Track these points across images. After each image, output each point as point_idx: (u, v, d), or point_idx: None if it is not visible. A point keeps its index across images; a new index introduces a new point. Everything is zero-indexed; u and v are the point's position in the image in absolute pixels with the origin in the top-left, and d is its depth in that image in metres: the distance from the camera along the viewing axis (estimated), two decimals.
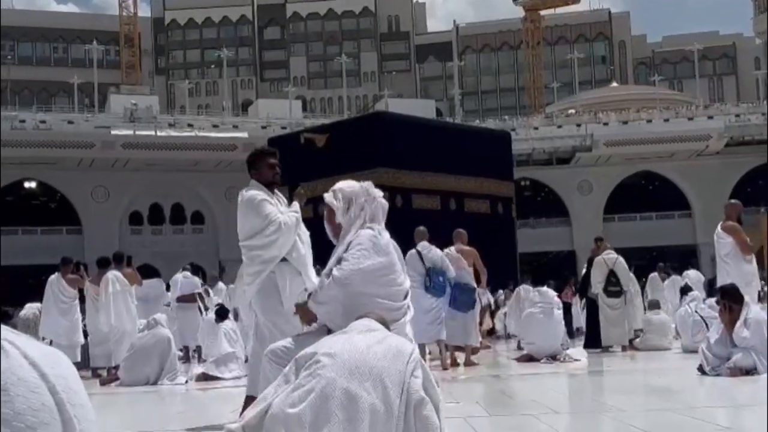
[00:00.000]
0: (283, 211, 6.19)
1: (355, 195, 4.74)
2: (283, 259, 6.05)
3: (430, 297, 11.32)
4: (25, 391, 1.84)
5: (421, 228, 12.07)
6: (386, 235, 4.69)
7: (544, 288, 13.91)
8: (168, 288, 17.43)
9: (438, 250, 11.70)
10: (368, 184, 4.85)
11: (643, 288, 19.32)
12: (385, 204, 4.84)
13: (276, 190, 6.40)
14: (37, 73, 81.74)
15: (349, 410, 3.22)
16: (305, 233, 6.25)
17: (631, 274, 15.22)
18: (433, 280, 11.36)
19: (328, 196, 4.82)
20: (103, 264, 13.25)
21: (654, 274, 21.58)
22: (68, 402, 1.90)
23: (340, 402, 3.23)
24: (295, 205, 6.35)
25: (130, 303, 12.77)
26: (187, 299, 16.47)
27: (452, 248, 12.44)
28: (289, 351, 4.30)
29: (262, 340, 5.89)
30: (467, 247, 12.83)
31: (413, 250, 11.35)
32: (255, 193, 6.21)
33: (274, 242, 6.04)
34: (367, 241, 4.54)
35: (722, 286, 9.60)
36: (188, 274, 17.24)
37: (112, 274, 12.71)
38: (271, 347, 4.67)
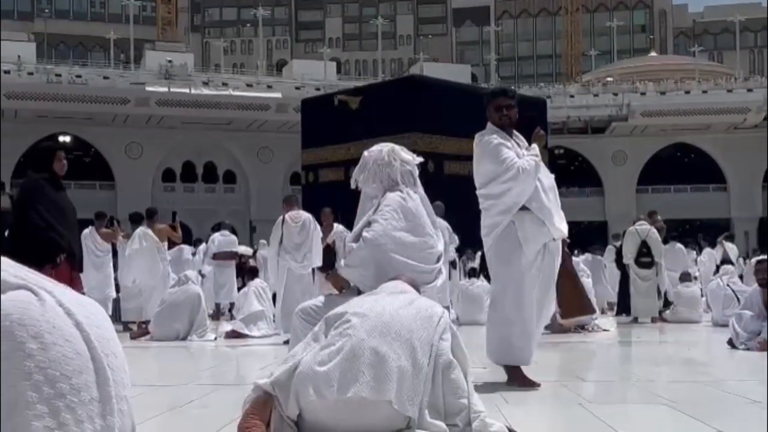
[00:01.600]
0: (522, 155, 5.69)
1: (369, 159, 4.74)
2: (524, 208, 5.57)
3: None
4: (60, 340, 1.86)
5: (438, 203, 12.13)
6: (416, 197, 4.67)
7: (574, 258, 13.85)
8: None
9: (443, 223, 12.19)
10: (389, 149, 4.80)
11: None
12: (411, 169, 4.80)
13: (516, 132, 5.95)
14: (74, 28, 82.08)
15: (377, 370, 3.23)
16: (548, 178, 5.75)
17: (663, 246, 15.11)
18: None
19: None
20: (136, 219, 13.36)
21: (676, 245, 17.69)
22: (102, 351, 1.92)
23: (368, 361, 3.24)
24: (535, 148, 5.82)
25: (157, 259, 12.85)
26: (223, 257, 16.59)
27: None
28: (320, 310, 4.31)
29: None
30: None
31: None
32: (490, 137, 5.81)
33: (510, 190, 5.56)
34: (396, 204, 4.54)
35: (760, 259, 9.52)
36: (226, 232, 17.37)
37: (140, 231, 12.81)
38: (301, 305, 4.69)
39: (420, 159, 4.92)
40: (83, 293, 6.63)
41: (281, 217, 10.65)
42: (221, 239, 17.08)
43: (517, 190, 5.50)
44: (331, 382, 3.22)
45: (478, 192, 5.77)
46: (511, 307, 5.47)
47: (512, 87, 58.27)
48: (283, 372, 3.34)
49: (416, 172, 4.81)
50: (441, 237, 4.73)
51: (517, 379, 5.60)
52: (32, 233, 6.46)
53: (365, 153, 4.81)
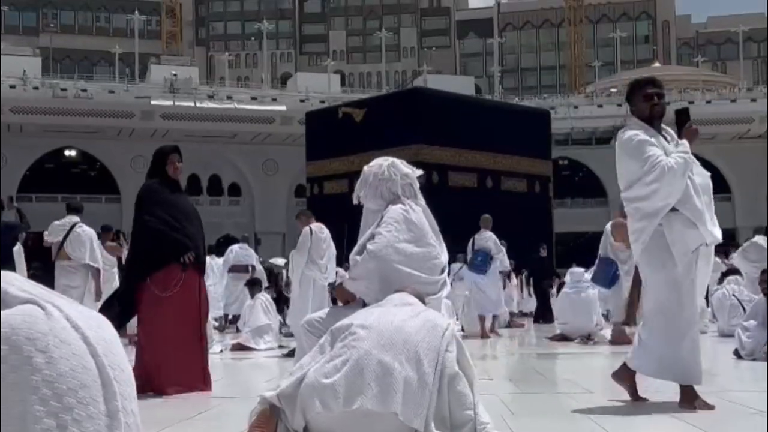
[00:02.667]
0: (671, 152, 5.17)
1: (370, 174, 4.78)
2: (674, 209, 5.08)
3: (476, 273, 13.59)
4: (67, 354, 1.88)
5: (486, 215, 14.03)
6: (418, 209, 4.70)
7: (578, 268, 13.85)
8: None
9: (490, 236, 13.71)
10: (389, 163, 4.83)
11: None
12: (411, 182, 4.83)
13: (663, 125, 5.43)
14: (79, 42, 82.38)
15: (382, 382, 3.24)
16: (701, 176, 5.24)
17: None
18: (474, 260, 13.54)
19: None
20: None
21: None
22: (109, 365, 1.93)
23: (374, 374, 3.26)
24: (685, 144, 5.25)
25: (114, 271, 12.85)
26: (239, 269, 16.62)
27: (609, 224, 12.20)
28: (324, 322, 4.33)
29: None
30: (620, 221, 12.56)
31: (472, 236, 13.70)
32: (632, 133, 5.29)
33: (657, 192, 5.04)
34: (398, 215, 4.56)
35: (764, 269, 9.50)
36: (245, 245, 17.43)
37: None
38: (306, 318, 4.70)
39: (420, 172, 4.94)
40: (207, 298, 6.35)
41: (307, 228, 10.61)
42: (239, 251, 17.15)
43: (664, 192, 5.01)
44: (337, 395, 3.24)
45: (622, 195, 5.31)
46: (672, 320, 5.02)
47: (515, 99, 58.19)
48: (289, 384, 3.36)
49: (417, 185, 4.84)
50: (444, 248, 4.74)
51: (690, 399, 5.13)
52: (154, 235, 6.39)
53: (365, 168, 4.84)
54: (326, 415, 3.25)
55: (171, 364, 6.26)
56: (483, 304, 13.70)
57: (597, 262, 11.80)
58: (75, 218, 11.16)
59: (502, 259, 14.07)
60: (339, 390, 3.23)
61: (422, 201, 4.81)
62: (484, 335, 13.43)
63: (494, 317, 14.37)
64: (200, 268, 6.60)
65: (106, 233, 13.44)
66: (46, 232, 11.25)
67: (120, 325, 6.76)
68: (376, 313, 3.57)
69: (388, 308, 3.66)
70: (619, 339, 11.04)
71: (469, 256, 13.78)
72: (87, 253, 11.05)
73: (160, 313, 6.30)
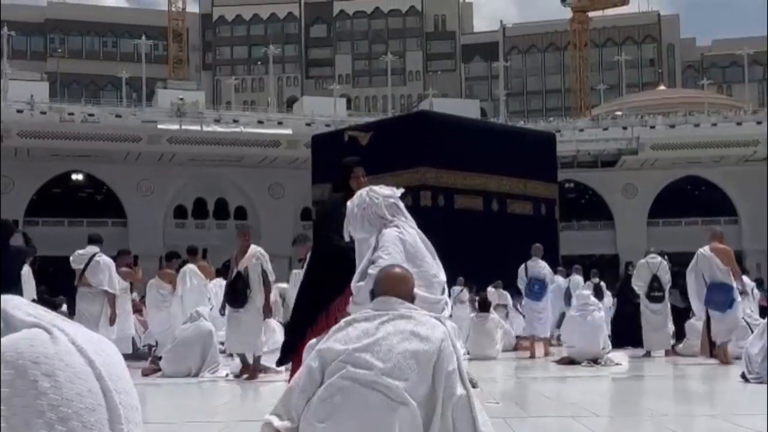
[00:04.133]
0: None
1: (352, 207, 4.88)
2: None
3: (533, 300, 14.81)
4: (73, 377, 1.88)
5: (538, 245, 15.21)
6: (411, 230, 4.73)
7: (585, 291, 13.83)
8: None
9: (544, 264, 14.97)
10: (368, 190, 4.95)
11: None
12: (395, 203, 4.89)
13: None
14: (86, 67, 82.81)
15: (379, 422, 3.26)
16: None
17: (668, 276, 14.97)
18: (531, 287, 14.78)
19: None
20: (171, 257, 13.64)
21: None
22: (114, 389, 1.94)
23: (369, 415, 3.27)
24: None
25: (205, 296, 12.99)
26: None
27: (706, 248, 12.20)
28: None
29: None
30: (722, 246, 12.44)
31: (523, 264, 14.92)
32: None
33: None
34: (394, 237, 4.60)
35: None
36: None
37: (189, 268, 12.91)
38: (311, 342, 4.70)
39: (401, 190, 5.02)
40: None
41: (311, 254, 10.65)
42: None
43: None
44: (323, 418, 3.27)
45: None
46: None
47: (521, 122, 58.31)
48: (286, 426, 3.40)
49: (401, 204, 4.90)
50: (441, 268, 4.76)
51: None
52: (340, 255, 5.83)
53: (348, 203, 4.95)
54: None
55: None
56: (536, 327, 14.95)
57: (709, 287, 11.70)
58: (95, 248, 11.90)
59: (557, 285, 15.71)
60: None
61: (412, 221, 4.86)
62: (533, 355, 14.48)
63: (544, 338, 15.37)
64: None
65: (122, 257, 13.65)
66: (71, 258, 11.89)
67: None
68: (371, 343, 3.48)
69: (383, 330, 3.56)
70: (724, 360, 11.30)
71: (523, 283, 14.97)
72: (106, 279, 11.68)
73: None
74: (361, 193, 4.87)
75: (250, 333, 10.73)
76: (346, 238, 4.95)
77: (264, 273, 10.90)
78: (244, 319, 10.75)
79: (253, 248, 11.02)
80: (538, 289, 14.84)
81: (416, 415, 3.28)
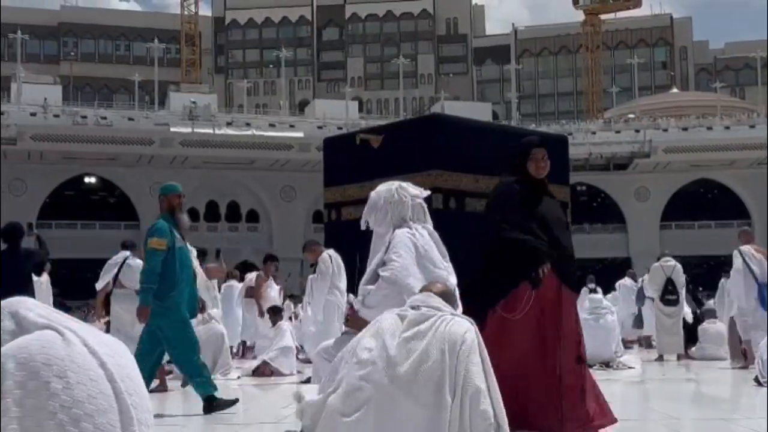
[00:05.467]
0: None
1: (379, 198, 4.80)
2: None
3: None
4: (85, 379, 1.89)
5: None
6: (425, 233, 4.71)
7: (597, 295, 13.79)
8: None
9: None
10: (398, 186, 4.87)
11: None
12: (422, 204, 4.87)
13: None
14: (99, 70, 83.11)
15: (395, 416, 3.27)
16: None
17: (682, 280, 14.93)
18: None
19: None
20: (199, 255, 13.85)
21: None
22: (126, 391, 1.94)
23: (386, 410, 3.28)
24: None
25: (211, 296, 13.14)
26: (249, 294, 16.63)
27: (748, 247, 12.03)
28: (337, 346, 4.33)
29: None
30: (758, 247, 12.30)
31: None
32: None
33: None
34: (406, 239, 4.57)
35: None
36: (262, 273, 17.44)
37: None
38: (321, 345, 4.71)
39: (427, 192, 4.99)
40: (575, 315, 5.32)
41: (326, 255, 10.71)
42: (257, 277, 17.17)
43: None
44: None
45: None
46: None
47: (533, 125, 58.25)
48: (312, 413, 3.41)
49: (425, 206, 4.87)
50: (453, 272, 4.74)
51: None
52: (510, 246, 5.14)
53: (372, 194, 4.87)
54: None
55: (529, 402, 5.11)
56: None
57: (759, 287, 11.57)
58: (126, 253, 11.94)
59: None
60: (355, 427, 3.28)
61: (430, 224, 4.83)
62: None
63: None
64: (567, 283, 5.28)
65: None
66: (104, 268, 11.89)
67: None
68: (389, 342, 3.52)
69: (401, 331, 3.59)
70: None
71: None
72: (137, 280, 11.62)
73: (506, 341, 5.09)
74: (391, 188, 4.83)
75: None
76: (362, 227, 4.90)
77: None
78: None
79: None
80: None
81: (438, 409, 3.31)
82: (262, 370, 11.44)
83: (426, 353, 3.43)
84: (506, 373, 4.71)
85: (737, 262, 11.89)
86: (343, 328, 8.92)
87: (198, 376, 7.27)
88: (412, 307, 3.70)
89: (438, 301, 3.75)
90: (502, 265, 5.13)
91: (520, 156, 5.53)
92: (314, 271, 11.63)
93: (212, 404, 7.06)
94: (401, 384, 3.34)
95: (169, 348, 7.42)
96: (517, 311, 5.00)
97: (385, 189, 4.85)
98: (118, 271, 11.75)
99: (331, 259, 10.55)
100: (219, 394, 7.22)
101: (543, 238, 5.18)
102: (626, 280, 20.19)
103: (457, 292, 4.65)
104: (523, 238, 5.13)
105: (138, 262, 11.87)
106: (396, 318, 3.63)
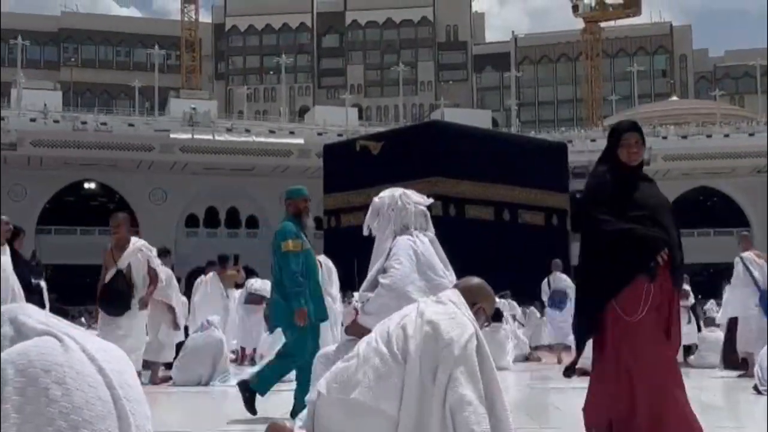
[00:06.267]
0: None
1: (383, 205, 4.80)
2: None
3: (556, 311, 16.13)
4: (83, 385, 1.89)
5: (557, 260, 16.91)
6: (426, 240, 4.71)
7: None
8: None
9: (565, 277, 16.30)
10: (400, 194, 4.87)
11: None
12: (421, 210, 4.88)
13: None
14: (99, 76, 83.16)
15: (380, 378, 3.32)
16: None
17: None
18: (553, 298, 16.22)
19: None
20: (223, 261, 14.03)
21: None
22: (124, 397, 1.94)
23: (374, 365, 3.34)
24: None
25: (223, 303, 13.32)
26: (255, 301, 16.60)
27: (749, 253, 12.03)
28: (338, 353, 4.34)
29: None
30: (760, 252, 12.33)
31: (546, 278, 16.47)
32: None
33: None
34: (407, 247, 4.57)
35: None
36: (266, 280, 17.48)
37: (207, 277, 13.23)
38: (321, 352, 4.72)
39: (431, 200, 4.99)
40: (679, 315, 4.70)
41: (317, 261, 10.68)
42: (259, 284, 17.15)
43: None
44: (337, 379, 3.41)
45: None
46: None
47: (532, 132, 58.14)
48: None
49: (428, 213, 4.87)
50: (454, 279, 4.74)
51: None
52: (612, 240, 4.56)
53: (375, 200, 4.87)
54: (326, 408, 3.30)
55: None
56: (557, 335, 16.15)
57: (761, 294, 11.51)
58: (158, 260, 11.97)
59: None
60: (340, 376, 3.35)
61: (432, 232, 4.83)
62: (560, 360, 15.40)
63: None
64: (674, 276, 4.65)
65: (223, 263, 14.16)
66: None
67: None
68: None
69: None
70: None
71: (546, 294, 16.50)
72: (161, 289, 11.57)
73: (629, 345, 4.55)
74: (394, 195, 4.83)
75: (139, 339, 9.68)
76: (365, 233, 4.90)
77: (152, 270, 9.67)
78: (125, 325, 9.31)
79: (135, 240, 9.64)
80: (559, 300, 16.15)
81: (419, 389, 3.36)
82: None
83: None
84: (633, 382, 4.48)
85: (738, 268, 11.87)
86: (338, 334, 8.90)
87: (271, 380, 7.28)
88: (438, 301, 3.72)
89: (460, 301, 3.73)
90: (610, 262, 4.54)
91: (609, 142, 5.02)
92: None
93: (248, 397, 7.05)
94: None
95: (285, 345, 7.37)
96: (638, 311, 4.45)
97: (388, 195, 4.85)
98: None
99: (321, 265, 10.52)
100: (260, 400, 7.20)
101: (648, 226, 4.64)
102: None
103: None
104: (630, 227, 4.57)
105: (163, 270, 11.94)
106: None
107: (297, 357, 7.07)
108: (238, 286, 15.56)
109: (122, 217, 9.65)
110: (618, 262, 4.49)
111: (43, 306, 10.52)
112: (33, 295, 9.55)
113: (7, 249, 8.78)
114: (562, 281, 16.38)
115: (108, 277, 9.15)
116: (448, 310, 3.62)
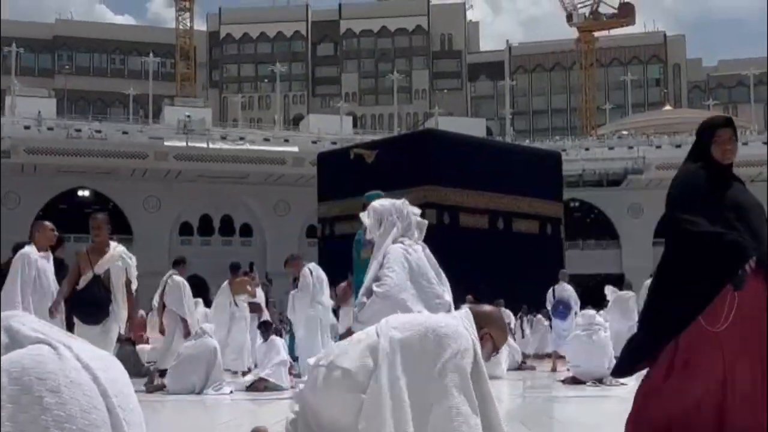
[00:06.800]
0: None
1: (386, 212, 4.80)
2: None
3: (559, 319, 16.40)
4: (78, 394, 1.88)
5: (564, 270, 17.45)
6: (419, 249, 4.72)
7: (590, 311, 13.79)
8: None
9: (569, 287, 16.62)
10: (402, 202, 4.89)
11: None
12: (422, 221, 4.89)
13: None
14: (94, 84, 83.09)
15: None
16: None
17: None
18: (557, 308, 16.41)
19: (363, 215, 4.89)
20: (235, 269, 14.16)
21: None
22: (119, 405, 1.93)
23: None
24: None
25: (232, 311, 13.42)
26: (252, 309, 16.60)
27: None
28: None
29: None
30: None
31: (551, 287, 16.70)
32: None
33: None
34: (400, 255, 4.58)
35: None
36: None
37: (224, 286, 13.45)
38: (315, 359, 4.70)
39: (419, 211, 5.05)
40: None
41: (306, 269, 10.67)
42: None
43: None
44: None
45: None
46: None
47: (526, 141, 58.35)
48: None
49: (423, 225, 4.90)
50: (448, 288, 4.75)
51: None
52: (701, 244, 4.20)
53: (377, 206, 4.86)
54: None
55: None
56: (560, 344, 16.19)
57: None
58: (172, 270, 12.41)
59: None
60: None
61: (421, 243, 4.86)
62: (554, 368, 15.77)
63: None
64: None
65: (234, 272, 14.23)
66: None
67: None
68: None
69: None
70: None
71: (550, 304, 16.79)
72: (174, 300, 12.09)
73: (708, 356, 4.19)
74: (395, 203, 4.84)
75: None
76: (368, 237, 4.88)
77: (128, 282, 8.62)
78: (99, 334, 8.06)
79: (115, 245, 8.80)
80: (562, 309, 16.52)
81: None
82: (256, 386, 11.40)
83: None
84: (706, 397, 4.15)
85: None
86: (328, 341, 8.86)
87: None
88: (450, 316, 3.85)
89: (470, 321, 3.72)
90: (697, 268, 4.17)
91: (701, 138, 4.65)
92: (296, 286, 11.62)
93: None
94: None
95: None
96: (721, 321, 4.10)
97: (389, 203, 4.86)
98: (164, 287, 12.17)
99: (311, 272, 10.52)
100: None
101: (740, 229, 4.25)
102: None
103: (452, 309, 4.64)
104: (718, 231, 4.20)
105: (177, 281, 12.10)
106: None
107: None
108: (254, 309, 15.44)
109: (102, 218, 8.90)
110: (705, 269, 4.14)
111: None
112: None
113: (50, 255, 8.78)
114: (567, 291, 16.81)
115: (83, 282, 8.35)
116: (454, 323, 3.66)
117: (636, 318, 17.65)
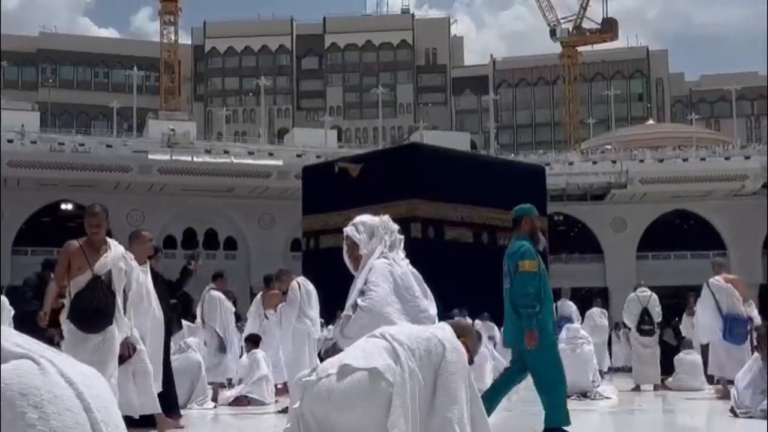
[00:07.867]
0: None
1: (376, 227, 4.81)
2: None
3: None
4: (61, 409, 1.87)
5: (567, 288, 17.71)
6: (403, 263, 4.74)
7: (575, 324, 13.83)
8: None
9: (571, 304, 17.14)
10: (386, 218, 4.91)
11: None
12: (401, 237, 4.94)
13: None
14: (77, 97, 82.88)
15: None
16: None
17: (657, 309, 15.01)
18: (558, 325, 16.11)
19: (350, 230, 4.87)
20: (269, 281, 14.20)
21: None
22: (102, 421, 1.93)
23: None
24: None
25: (260, 323, 13.62)
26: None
27: (718, 278, 12.07)
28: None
29: None
30: (732, 276, 12.37)
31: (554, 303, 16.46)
32: None
33: None
34: (384, 269, 4.60)
35: (759, 326, 9.49)
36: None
37: (216, 294, 13.46)
38: (300, 374, 4.69)
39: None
40: None
41: (295, 283, 10.60)
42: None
43: None
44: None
45: None
46: None
47: (511, 155, 58.57)
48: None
49: (402, 240, 4.95)
50: (432, 302, 4.76)
51: None
52: None
53: (368, 221, 4.86)
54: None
55: None
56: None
57: (725, 319, 11.52)
58: (211, 284, 12.79)
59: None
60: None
61: (402, 255, 4.88)
62: None
63: None
64: None
65: (268, 283, 14.32)
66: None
67: None
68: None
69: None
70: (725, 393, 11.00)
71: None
72: (205, 313, 12.47)
73: None
74: (381, 218, 4.87)
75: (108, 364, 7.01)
76: (361, 251, 4.85)
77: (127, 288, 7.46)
78: (100, 348, 7.00)
79: (116, 244, 7.63)
80: (564, 325, 16.30)
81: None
82: (239, 401, 11.36)
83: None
84: None
85: (703, 293, 11.99)
86: (315, 358, 8.87)
87: (558, 407, 7.03)
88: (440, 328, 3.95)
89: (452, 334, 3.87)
90: None
91: None
92: (284, 300, 11.58)
93: None
94: None
95: (535, 375, 7.14)
96: None
97: (378, 219, 4.89)
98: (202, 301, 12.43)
99: (299, 286, 10.49)
100: (570, 429, 6.91)
101: None
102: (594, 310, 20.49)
103: (436, 321, 4.65)
104: None
105: (213, 295, 12.20)
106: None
107: (552, 374, 6.95)
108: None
109: (102, 213, 7.66)
110: None
111: (180, 324, 10.81)
112: (172, 314, 9.66)
113: (148, 267, 8.52)
114: (569, 307, 16.86)
115: (81, 284, 7.11)
116: (452, 336, 3.75)
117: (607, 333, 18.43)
